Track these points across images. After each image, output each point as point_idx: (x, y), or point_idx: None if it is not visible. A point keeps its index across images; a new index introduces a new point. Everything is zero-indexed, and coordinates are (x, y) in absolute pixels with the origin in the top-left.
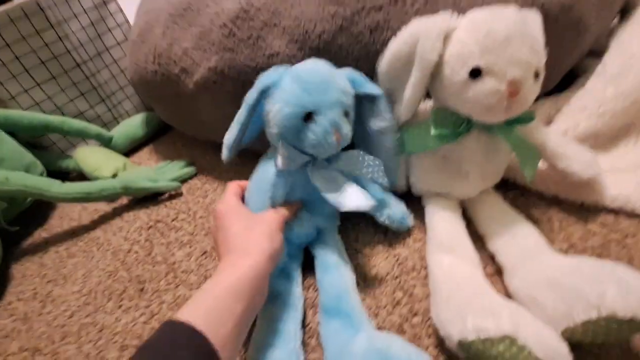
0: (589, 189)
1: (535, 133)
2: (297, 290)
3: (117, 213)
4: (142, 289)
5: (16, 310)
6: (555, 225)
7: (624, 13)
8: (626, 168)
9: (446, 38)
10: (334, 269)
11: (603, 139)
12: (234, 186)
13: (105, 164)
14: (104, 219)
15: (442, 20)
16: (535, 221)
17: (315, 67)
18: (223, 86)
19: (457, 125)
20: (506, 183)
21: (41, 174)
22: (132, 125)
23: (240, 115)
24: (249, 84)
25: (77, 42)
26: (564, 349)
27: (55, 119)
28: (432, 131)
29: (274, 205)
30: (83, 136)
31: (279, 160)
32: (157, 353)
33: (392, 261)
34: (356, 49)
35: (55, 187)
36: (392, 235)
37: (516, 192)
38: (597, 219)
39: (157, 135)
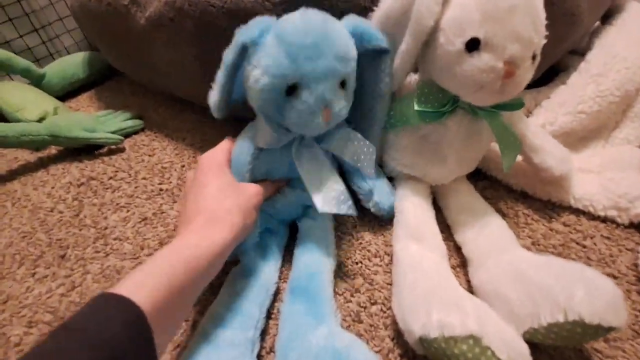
0: (557, 187)
1: (518, 122)
2: (271, 272)
3: (42, 164)
4: (63, 256)
5: None
6: (521, 220)
7: (607, 16)
8: (593, 169)
9: (445, 1)
10: (313, 247)
11: (575, 138)
12: (227, 143)
13: (31, 105)
14: (25, 169)
15: None
16: (502, 214)
17: (306, 23)
18: (181, 25)
19: (442, 103)
20: (477, 172)
21: None
22: (71, 64)
23: (219, 76)
24: (212, 25)
25: None
26: (525, 351)
27: None
28: (415, 106)
29: (254, 180)
30: (6, 70)
31: (259, 137)
32: (76, 329)
33: (354, 244)
34: (342, 6)
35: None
36: (358, 219)
37: (485, 183)
38: (560, 218)
39: (101, 80)
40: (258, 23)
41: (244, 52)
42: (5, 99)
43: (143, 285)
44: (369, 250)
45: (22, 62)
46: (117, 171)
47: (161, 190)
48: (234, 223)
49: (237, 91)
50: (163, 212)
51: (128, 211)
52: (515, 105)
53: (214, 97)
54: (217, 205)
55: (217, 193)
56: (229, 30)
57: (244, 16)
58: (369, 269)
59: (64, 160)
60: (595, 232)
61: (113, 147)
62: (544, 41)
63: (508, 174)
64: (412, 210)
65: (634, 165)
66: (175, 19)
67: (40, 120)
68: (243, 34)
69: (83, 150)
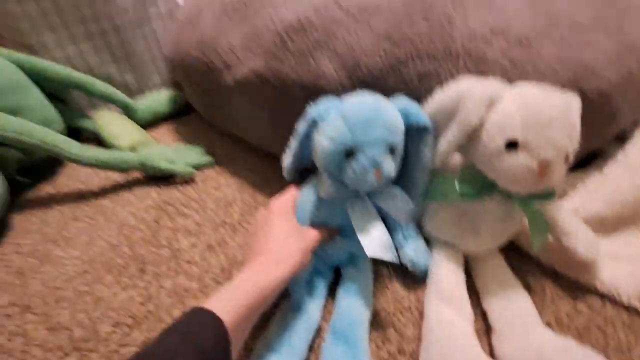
0: (585, 269)
1: (550, 207)
2: (316, 310)
3: (128, 185)
4: (142, 269)
5: (12, 263)
6: (547, 296)
7: None
8: (623, 257)
9: (490, 104)
10: (355, 295)
11: (607, 225)
12: (293, 191)
13: (125, 135)
14: (114, 188)
15: (490, 86)
16: (528, 289)
17: (362, 104)
18: (263, 91)
19: (481, 186)
20: (509, 244)
21: (61, 131)
22: (158, 100)
23: (292, 143)
24: (290, 95)
25: (123, 6)
26: None
27: (82, 76)
28: (457, 187)
29: (312, 225)
30: (108, 101)
31: (321, 189)
32: (182, 334)
33: (389, 297)
34: (402, 91)
35: (74, 148)
36: (393, 271)
37: (516, 255)
38: (586, 300)
39: (179, 115)
40: (326, 102)
41: (314, 125)
42: (105, 127)
43: (227, 304)
44: (402, 304)
45: (121, 95)
46: (189, 200)
47: (225, 222)
48: (294, 263)
49: (305, 154)
50: (226, 243)
51: (197, 238)
52: (546, 195)
53: (287, 160)
54: (282, 245)
55: (283, 235)
56: (302, 101)
57: (317, 92)
58: (400, 322)
59: (146, 184)
60: (617, 319)
61: (186, 177)
62: (577, 146)
63: (539, 251)
64: (446, 275)
65: None
66: (259, 85)
67: (132, 148)
68: (314, 110)
69: (161, 177)
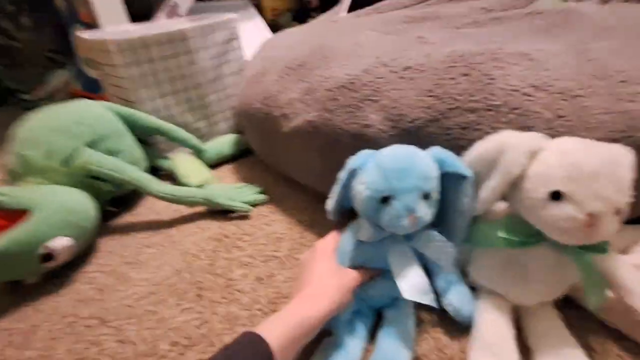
0: None
1: (607, 261)
2: (357, 349)
3: (193, 218)
4: (199, 295)
5: (95, 280)
6: (610, 359)
7: None
8: None
9: (532, 155)
10: (395, 339)
11: None
12: (336, 234)
13: (195, 174)
14: (182, 220)
15: (532, 138)
16: (589, 349)
17: (397, 154)
18: (315, 138)
19: (528, 234)
20: (568, 300)
21: (145, 170)
22: (223, 143)
23: (335, 190)
24: (339, 142)
25: (204, 67)
26: None
27: (166, 125)
28: (500, 233)
29: (353, 266)
30: (183, 144)
31: (360, 232)
32: (230, 353)
33: (431, 344)
34: (444, 140)
35: (154, 184)
36: (438, 318)
37: (576, 313)
38: None
39: (240, 157)
40: (363, 154)
41: (354, 174)
42: (179, 166)
43: (275, 330)
44: (445, 353)
45: (195, 141)
46: (243, 234)
47: (274, 256)
48: (334, 300)
49: (346, 200)
50: (274, 276)
51: (248, 269)
52: (598, 248)
53: (330, 204)
54: (324, 283)
55: (325, 273)
56: (350, 148)
57: (364, 140)
58: None
59: (207, 217)
60: None
61: (242, 213)
62: (629, 199)
63: (600, 309)
64: (491, 326)
65: None
66: (312, 133)
67: (200, 186)
68: (354, 160)
69: (221, 212)
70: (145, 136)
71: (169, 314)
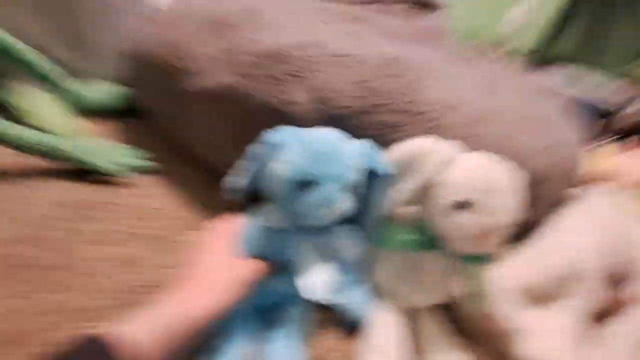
0: (506, 340)
1: (484, 270)
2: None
3: (41, 174)
4: (27, 275)
5: None
6: None
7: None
8: (539, 330)
9: (446, 164)
10: (287, 340)
11: (533, 297)
12: (236, 217)
13: (57, 119)
14: (21, 174)
15: (449, 147)
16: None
17: (327, 138)
18: (228, 105)
19: (429, 240)
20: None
21: None
22: (103, 91)
23: (245, 165)
24: (254, 114)
25: None
26: None
27: (13, 42)
28: (405, 234)
29: (254, 257)
30: (36, 76)
31: (267, 217)
32: None
33: (324, 345)
34: (369, 134)
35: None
36: (329, 317)
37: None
38: None
39: (122, 114)
40: (287, 130)
41: (273, 149)
42: (31, 104)
43: (148, 325)
44: (337, 351)
45: (55, 73)
46: (110, 204)
47: (148, 235)
48: (224, 296)
49: (255, 179)
50: (142, 259)
51: (109, 247)
52: (484, 259)
53: (236, 182)
54: (214, 274)
55: (217, 262)
56: (266, 123)
57: (284, 117)
58: None
59: (63, 177)
60: None
61: (117, 179)
62: (517, 218)
63: (472, 317)
64: (384, 327)
65: (574, 335)
66: (225, 98)
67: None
68: (275, 136)
69: (81, 172)
70: None
71: None
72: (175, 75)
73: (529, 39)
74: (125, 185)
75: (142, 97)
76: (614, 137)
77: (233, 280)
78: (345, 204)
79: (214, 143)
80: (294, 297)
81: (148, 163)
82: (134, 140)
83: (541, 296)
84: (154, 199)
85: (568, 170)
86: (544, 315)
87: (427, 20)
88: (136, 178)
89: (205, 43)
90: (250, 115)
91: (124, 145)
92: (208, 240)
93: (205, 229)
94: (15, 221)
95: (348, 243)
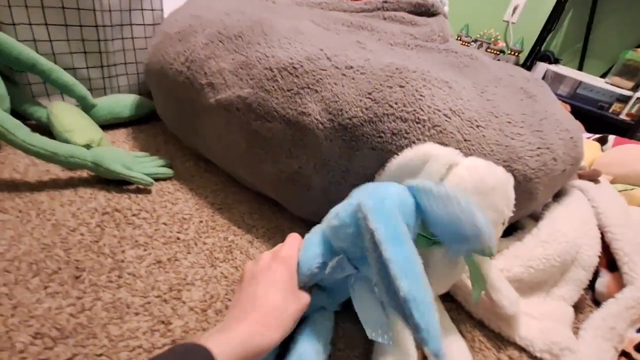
0: (507, 324)
1: (485, 263)
2: None
3: (71, 184)
4: (78, 277)
5: None
6: (476, 344)
7: (557, 195)
8: (535, 316)
9: (450, 168)
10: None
11: (524, 286)
12: (297, 241)
13: (81, 130)
14: (55, 184)
15: (451, 152)
16: (460, 335)
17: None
18: (244, 117)
19: (432, 234)
20: (446, 295)
21: (6, 110)
22: (121, 103)
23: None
24: (270, 125)
25: (107, 5)
26: None
27: (46, 62)
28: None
29: (313, 278)
30: (66, 92)
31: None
32: None
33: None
34: (376, 141)
35: (22, 132)
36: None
37: (452, 305)
38: (507, 350)
39: (139, 121)
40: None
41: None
42: (60, 118)
43: (224, 348)
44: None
45: (82, 89)
46: (141, 210)
47: (178, 239)
48: (288, 329)
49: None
50: (177, 260)
51: (145, 250)
52: (486, 252)
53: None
54: (283, 309)
55: (286, 296)
56: (278, 136)
57: (298, 127)
58: None
59: (93, 185)
60: None
61: (141, 187)
62: (512, 214)
63: (470, 303)
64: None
65: (565, 320)
66: (241, 111)
67: (87, 146)
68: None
69: (112, 181)
70: (11, 71)
71: (30, 298)
72: (191, 87)
73: (525, 34)
74: (153, 192)
75: (159, 106)
76: (603, 132)
77: (298, 313)
78: None
79: (228, 152)
80: (323, 309)
81: (169, 170)
82: (151, 148)
83: (539, 283)
84: (183, 205)
85: (563, 167)
86: (533, 302)
87: (427, 26)
88: (161, 184)
89: (219, 56)
90: (266, 126)
91: (146, 153)
92: (275, 266)
93: (265, 256)
94: (58, 228)
95: None
